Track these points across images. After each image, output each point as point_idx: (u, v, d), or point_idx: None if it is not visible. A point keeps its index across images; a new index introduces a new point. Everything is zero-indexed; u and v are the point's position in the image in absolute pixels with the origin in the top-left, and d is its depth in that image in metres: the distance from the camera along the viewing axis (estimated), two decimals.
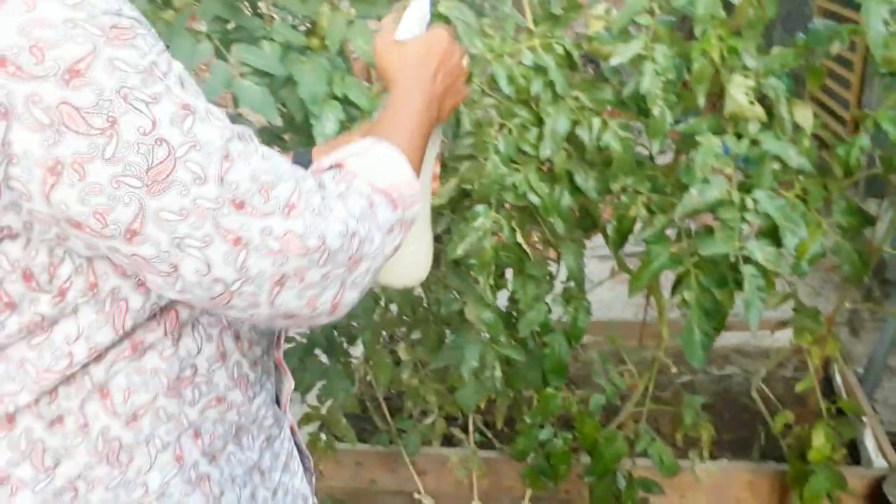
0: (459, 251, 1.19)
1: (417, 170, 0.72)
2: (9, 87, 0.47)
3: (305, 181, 0.59)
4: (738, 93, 1.10)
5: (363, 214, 0.62)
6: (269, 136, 1.47)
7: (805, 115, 1.18)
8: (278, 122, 1.30)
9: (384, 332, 1.84)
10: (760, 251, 1.06)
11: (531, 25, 1.34)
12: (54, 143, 0.48)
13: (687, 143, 1.24)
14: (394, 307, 1.71)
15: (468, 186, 1.24)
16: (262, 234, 0.54)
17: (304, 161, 0.84)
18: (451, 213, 1.33)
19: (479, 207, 1.22)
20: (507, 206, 1.28)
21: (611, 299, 2.72)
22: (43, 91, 0.47)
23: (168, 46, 1.33)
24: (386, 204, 0.65)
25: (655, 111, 1.14)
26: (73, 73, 0.48)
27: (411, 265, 0.88)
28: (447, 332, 1.62)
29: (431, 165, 0.88)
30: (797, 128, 1.19)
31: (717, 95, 1.24)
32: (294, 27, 1.36)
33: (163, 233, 0.52)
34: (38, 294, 0.56)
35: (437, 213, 1.34)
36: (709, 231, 1.12)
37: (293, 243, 0.56)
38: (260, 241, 0.54)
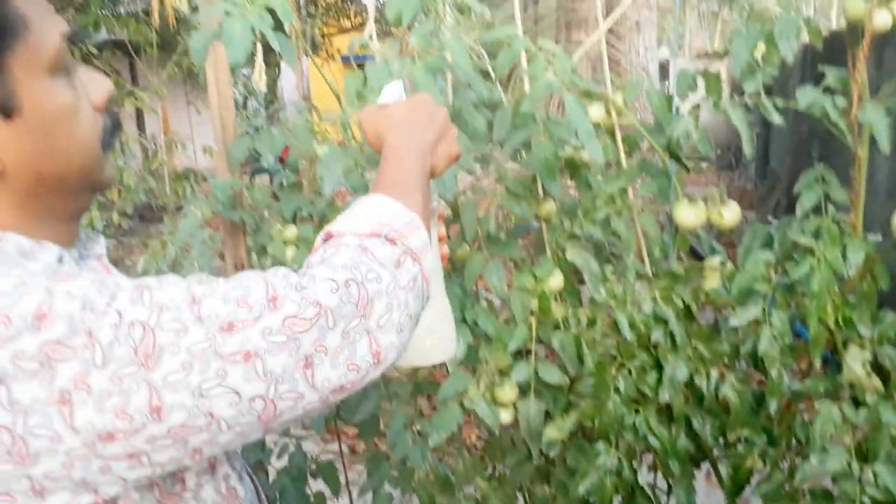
0: (581, 490, 1.26)
1: (426, 218, 0.72)
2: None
3: (276, 274, 0.61)
4: (855, 364, 1.17)
5: (355, 262, 0.62)
6: None
7: None
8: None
9: None
10: None
11: (649, 273, 1.47)
12: (52, 379, 0.52)
13: (800, 396, 1.29)
14: None
15: (588, 423, 1.32)
16: (263, 337, 0.56)
17: None
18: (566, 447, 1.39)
19: (601, 446, 1.29)
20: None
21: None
22: (22, 345, 0.52)
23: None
24: (380, 244, 0.65)
25: (773, 373, 1.21)
26: (39, 317, 0.52)
27: (431, 339, 0.83)
28: None
29: (435, 224, 0.83)
30: None
31: (832, 352, 1.30)
32: None
33: (181, 393, 0.54)
34: None
35: (552, 443, 1.42)
36: (828, 497, 1.14)
37: (294, 324, 0.57)
38: (266, 343, 0.56)
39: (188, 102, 8.61)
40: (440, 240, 0.88)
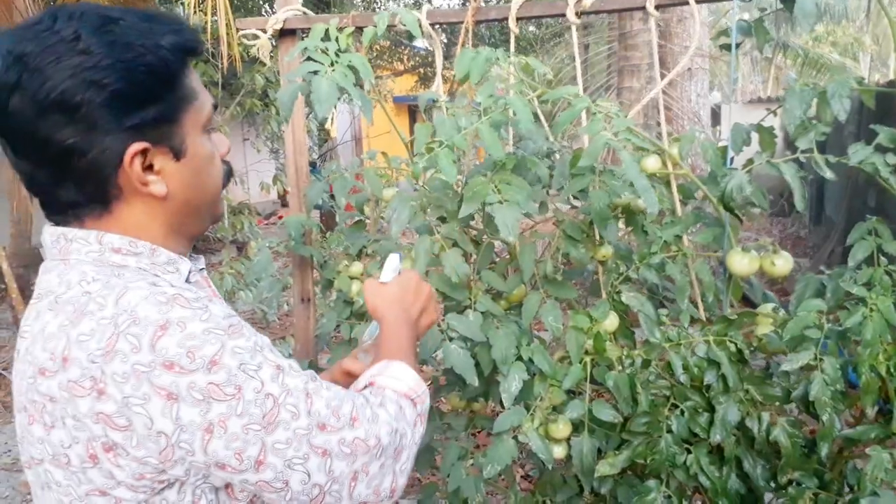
0: None
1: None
2: (176, 381, 0.68)
3: (357, 398, 0.81)
4: None
5: (398, 415, 0.83)
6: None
7: None
8: (475, 382, 1.51)
9: None
10: None
11: (703, 317, 1.52)
12: (207, 411, 0.69)
13: (852, 443, 1.32)
14: None
15: (640, 461, 1.36)
16: (339, 444, 0.75)
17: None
18: (617, 483, 1.44)
19: (652, 483, 1.33)
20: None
21: None
22: (196, 379, 0.69)
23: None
24: (409, 404, 0.87)
25: (824, 417, 1.24)
26: (212, 363, 0.69)
27: None
28: None
29: None
30: None
31: (884, 400, 1.33)
32: (493, 298, 1.61)
33: (278, 458, 0.72)
34: None
35: (604, 479, 1.46)
36: None
37: (359, 445, 0.76)
38: (338, 449, 0.75)
39: (244, 140, 8.94)
40: None
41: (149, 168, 0.77)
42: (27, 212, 5.26)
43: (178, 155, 0.79)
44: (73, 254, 0.77)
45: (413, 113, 15.56)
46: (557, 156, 1.61)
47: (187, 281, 0.82)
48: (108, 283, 0.73)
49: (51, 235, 0.79)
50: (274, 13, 1.78)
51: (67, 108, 0.71)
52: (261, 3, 9.82)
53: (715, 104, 8.93)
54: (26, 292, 5.17)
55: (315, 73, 1.32)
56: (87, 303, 0.72)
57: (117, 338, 0.69)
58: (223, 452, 0.70)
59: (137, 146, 0.74)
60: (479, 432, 2.47)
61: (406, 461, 0.82)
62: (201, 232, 0.88)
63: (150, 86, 0.75)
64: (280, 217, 11.41)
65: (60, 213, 0.79)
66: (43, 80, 0.70)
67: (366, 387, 0.89)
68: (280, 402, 0.72)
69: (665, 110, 1.65)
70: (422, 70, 11.38)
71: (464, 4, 10.87)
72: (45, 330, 0.73)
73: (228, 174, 0.89)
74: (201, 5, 4.96)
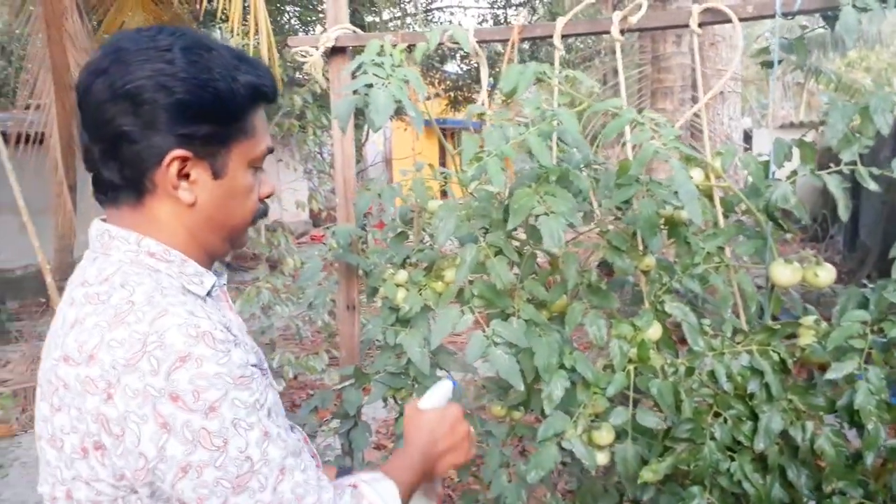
0: None
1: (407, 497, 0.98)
2: (175, 414, 0.72)
3: (324, 494, 0.83)
4: None
5: None
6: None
7: None
8: (521, 387, 1.54)
9: None
10: None
11: (745, 327, 1.54)
12: (191, 453, 0.73)
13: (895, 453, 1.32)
14: None
15: (684, 467, 1.38)
16: None
17: (345, 474, 1.11)
18: (660, 492, 1.45)
19: (695, 489, 1.35)
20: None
21: None
22: (193, 419, 0.73)
23: (436, 312, 1.64)
24: None
25: (869, 426, 1.25)
26: (211, 409, 0.73)
27: None
28: None
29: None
30: None
31: None
32: (536, 306, 1.64)
33: None
34: None
35: (645, 484, 1.48)
36: None
37: None
38: None
39: (278, 160, 9.11)
40: None
41: (185, 176, 0.84)
42: (71, 227, 5.41)
43: (216, 174, 0.86)
44: (113, 250, 0.84)
45: (444, 135, 15.77)
46: (600, 168, 1.65)
47: (209, 294, 0.87)
48: (152, 300, 0.78)
49: (97, 230, 0.86)
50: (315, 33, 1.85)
51: (135, 100, 0.79)
52: (296, 27, 10.06)
53: (746, 128, 8.90)
54: None
55: (370, 86, 1.38)
56: (127, 312, 0.76)
57: (142, 355, 0.73)
58: (188, 494, 0.75)
59: (179, 152, 0.81)
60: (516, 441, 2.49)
61: None
62: (220, 254, 0.94)
63: (212, 106, 0.82)
64: (312, 238, 11.58)
65: (103, 192, 0.86)
66: (126, 73, 0.79)
67: (349, 486, 0.92)
68: (255, 470, 0.76)
69: (697, 133, 1.68)
70: (452, 94, 11.53)
71: (497, 23, 11.00)
72: (82, 322, 0.78)
73: (262, 213, 0.95)
74: (244, 25, 5.11)
